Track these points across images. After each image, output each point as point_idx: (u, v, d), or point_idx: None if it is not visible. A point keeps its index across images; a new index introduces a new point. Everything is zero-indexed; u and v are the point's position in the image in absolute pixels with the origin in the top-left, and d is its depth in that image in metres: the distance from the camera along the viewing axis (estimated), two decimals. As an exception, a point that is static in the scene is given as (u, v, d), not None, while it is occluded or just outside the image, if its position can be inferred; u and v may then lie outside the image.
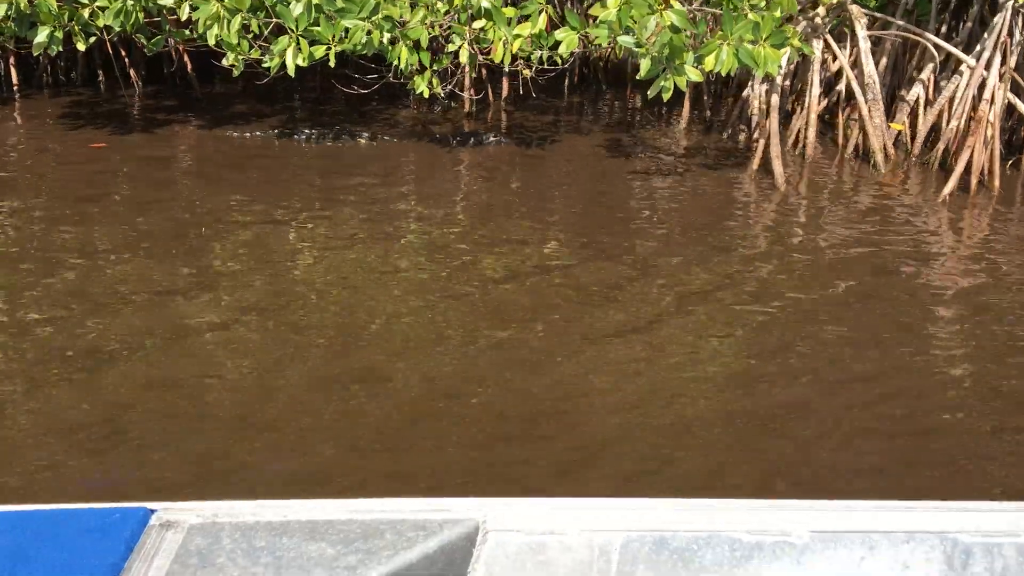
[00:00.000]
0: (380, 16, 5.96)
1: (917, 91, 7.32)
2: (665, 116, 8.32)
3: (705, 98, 8.28)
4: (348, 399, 3.92)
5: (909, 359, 4.32)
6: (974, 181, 6.24)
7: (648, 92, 5.45)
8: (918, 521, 1.55)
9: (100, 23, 6.22)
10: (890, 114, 7.27)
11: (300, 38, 6.03)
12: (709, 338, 4.52)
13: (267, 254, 5.43)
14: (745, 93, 7.56)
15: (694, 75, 5.34)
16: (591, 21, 5.83)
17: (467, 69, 7.61)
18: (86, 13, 6.23)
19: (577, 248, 5.60)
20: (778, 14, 5.69)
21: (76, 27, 6.32)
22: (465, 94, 7.97)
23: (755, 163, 6.70)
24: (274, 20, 6.15)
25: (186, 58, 8.51)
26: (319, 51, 6.11)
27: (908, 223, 6.02)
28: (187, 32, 6.64)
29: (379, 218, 5.97)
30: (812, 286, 5.11)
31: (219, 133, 7.55)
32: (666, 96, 5.36)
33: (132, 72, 8.49)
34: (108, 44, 7.71)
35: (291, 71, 6.31)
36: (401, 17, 6.03)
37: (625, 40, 5.10)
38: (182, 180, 6.84)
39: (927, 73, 7.29)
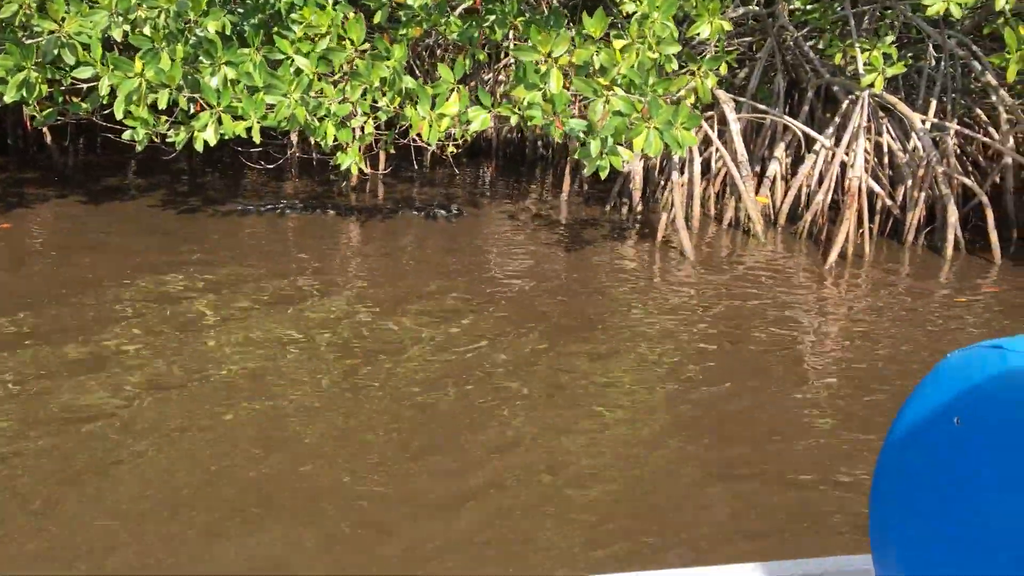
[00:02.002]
0: (309, 94, 5.96)
1: (775, 168, 8.12)
2: (550, 189, 8.73)
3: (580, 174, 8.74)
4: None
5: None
6: (851, 251, 6.98)
7: (584, 171, 5.77)
8: None
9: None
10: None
11: (222, 114, 5.92)
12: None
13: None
14: (627, 169, 8.07)
15: (627, 155, 5.72)
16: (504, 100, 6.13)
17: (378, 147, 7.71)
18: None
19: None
20: (691, 100, 6.22)
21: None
22: (378, 170, 8.09)
23: (659, 235, 7.17)
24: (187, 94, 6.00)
25: (45, 130, 8.05)
26: (239, 127, 6.01)
27: (803, 285, 6.65)
28: (84, 105, 6.31)
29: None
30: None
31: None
32: (603, 174, 5.70)
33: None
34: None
35: (199, 147, 6.17)
36: (325, 96, 6.05)
37: (577, 123, 5.39)
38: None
39: (780, 151, 8.12)
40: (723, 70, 7.19)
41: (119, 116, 6.01)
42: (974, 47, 7.89)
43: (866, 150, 7.39)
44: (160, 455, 3.89)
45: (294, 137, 8.09)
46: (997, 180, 8.16)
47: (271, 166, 7.47)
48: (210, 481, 3.72)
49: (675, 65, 6.03)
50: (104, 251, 6.63)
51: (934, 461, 1.26)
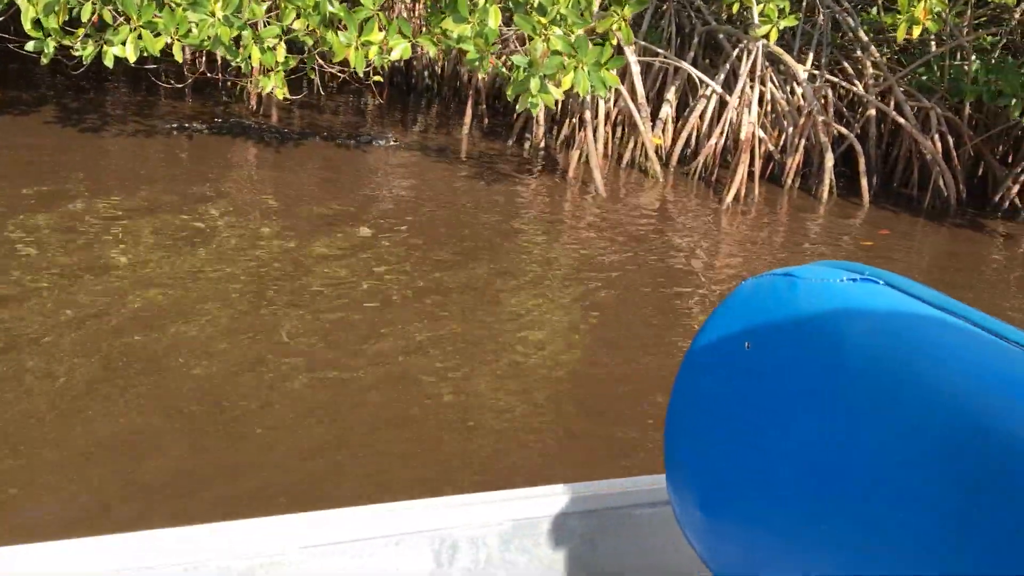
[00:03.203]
0: (231, 12, 5.79)
1: (667, 111, 8.51)
2: (452, 120, 8.79)
3: (483, 107, 8.86)
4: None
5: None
6: (743, 192, 7.48)
7: (517, 107, 5.92)
8: (410, 522, 1.54)
9: None
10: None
11: (142, 29, 5.67)
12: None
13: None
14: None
15: (557, 94, 5.91)
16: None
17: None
18: None
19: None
20: (613, 41, 6.46)
21: None
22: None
23: (571, 171, 7.43)
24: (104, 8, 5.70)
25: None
26: (159, 43, 5.78)
27: (701, 221, 7.10)
28: (-16, 11, 5.88)
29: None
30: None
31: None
32: (535, 111, 5.87)
33: None
34: None
35: (109, 62, 5.93)
36: (252, 18, 5.90)
37: (520, 59, 5.52)
38: None
39: (672, 95, 8.51)
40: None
41: (27, 27, 5.67)
42: (846, 3, 8.50)
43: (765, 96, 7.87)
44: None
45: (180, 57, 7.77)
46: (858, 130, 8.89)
47: (180, 85, 7.18)
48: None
49: (596, 7, 6.23)
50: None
51: (726, 384, 1.28)
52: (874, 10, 9.06)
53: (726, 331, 1.27)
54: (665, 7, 8.97)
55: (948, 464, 1.01)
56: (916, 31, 6.24)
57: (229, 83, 8.20)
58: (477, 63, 5.78)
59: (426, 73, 10.23)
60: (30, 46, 5.89)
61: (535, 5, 5.62)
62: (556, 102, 6.34)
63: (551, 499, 1.61)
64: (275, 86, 6.18)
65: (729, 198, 7.34)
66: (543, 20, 5.58)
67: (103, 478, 3.21)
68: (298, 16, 5.76)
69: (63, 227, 5.43)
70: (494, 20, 5.61)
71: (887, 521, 1.06)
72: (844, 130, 8.11)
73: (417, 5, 9.45)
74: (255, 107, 8.13)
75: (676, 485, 1.38)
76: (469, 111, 8.60)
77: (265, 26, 6.10)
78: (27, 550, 1.38)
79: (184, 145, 7.26)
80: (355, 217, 6.19)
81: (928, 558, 1.02)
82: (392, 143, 7.79)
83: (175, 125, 7.48)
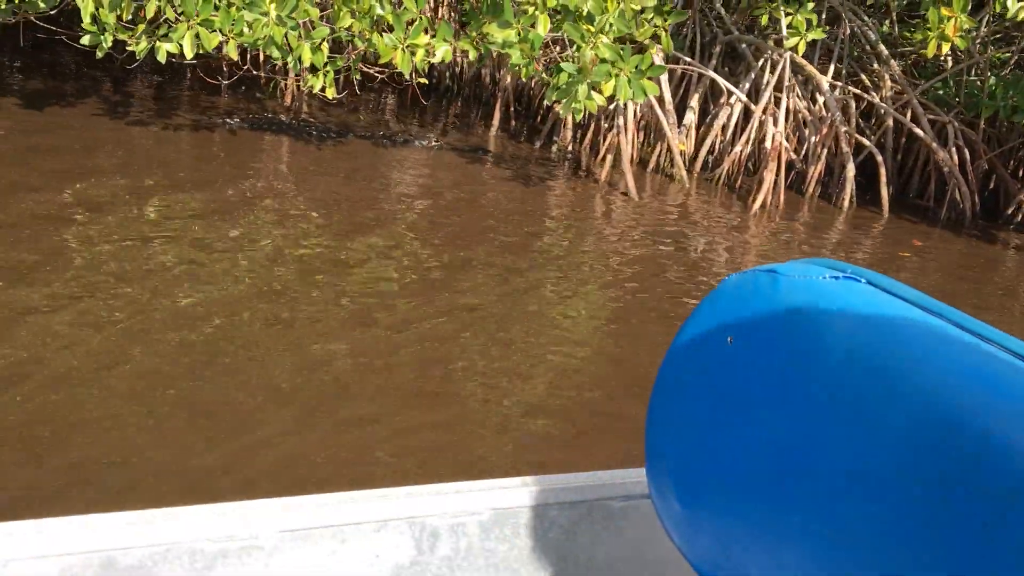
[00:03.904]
0: (286, 13, 5.93)
1: (690, 117, 8.69)
2: (479, 122, 8.96)
3: (511, 110, 9.02)
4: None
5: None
6: (769, 200, 7.67)
7: (560, 111, 6.09)
8: (389, 509, 1.54)
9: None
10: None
11: (199, 27, 5.81)
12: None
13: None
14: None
15: (600, 100, 6.08)
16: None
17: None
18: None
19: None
20: (653, 50, 6.63)
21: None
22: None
23: (603, 175, 7.60)
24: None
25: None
26: (214, 40, 5.92)
27: (725, 227, 7.29)
28: (42, 4, 5.99)
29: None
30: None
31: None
32: (578, 116, 6.04)
33: None
34: None
35: (162, 58, 6.07)
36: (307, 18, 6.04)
37: (569, 67, 5.68)
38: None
39: (695, 102, 8.69)
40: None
41: (86, 20, 5.80)
42: (865, 17, 8.71)
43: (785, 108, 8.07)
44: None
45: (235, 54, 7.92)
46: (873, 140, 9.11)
47: (227, 81, 7.31)
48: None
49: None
50: (47, 159, 6.37)
51: (708, 379, 1.29)
52: (886, 23, 9.27)
53: (709, 325, 1.28)
54: (688, 16, 9.15)
55: (921, 460, 1.02)
56: (945, 47, 6.44)
57: (263, 80, 8.33)
58: (523, 68, 5.94)
59: (447, 74, 10.38)
60: (85, 40, 6.02)
61: (583, 14, 5.79)
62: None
63: (531, 489, 1.62)
64: (324, 85, 6.32)
65: (756, 205, 7.52)
66: (591, 28, 5.74)
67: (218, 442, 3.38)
68: (352, 18, 5.90)
69: (112, 223, 5.56)
70: (543, 27, 5.77)
71: (859, 515, 1.07)
72: (865, 140, 8.31)
73: (440, 7, 9.60)
74: (290, 103, 8.26)
75: (656, 477, 1.39)
76: (497, 113, 8.75)
77: (313, 27, 6.24)
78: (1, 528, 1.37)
79: (226, 140, 7.37)
80: (393, 214, 6.34)
81: (898, 552, 1.03)
82: (433, 144, 7.93)
83: (218, 121, 7.59)
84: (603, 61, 5.72)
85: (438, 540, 1.57)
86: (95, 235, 5.23)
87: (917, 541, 1.01)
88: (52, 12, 6.52)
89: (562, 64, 5.72)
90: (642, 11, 6.61)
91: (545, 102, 8.41)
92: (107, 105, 7.68)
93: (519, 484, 1.63)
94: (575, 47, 5.85)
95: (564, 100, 6.01)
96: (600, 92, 6.07)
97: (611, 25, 5.72)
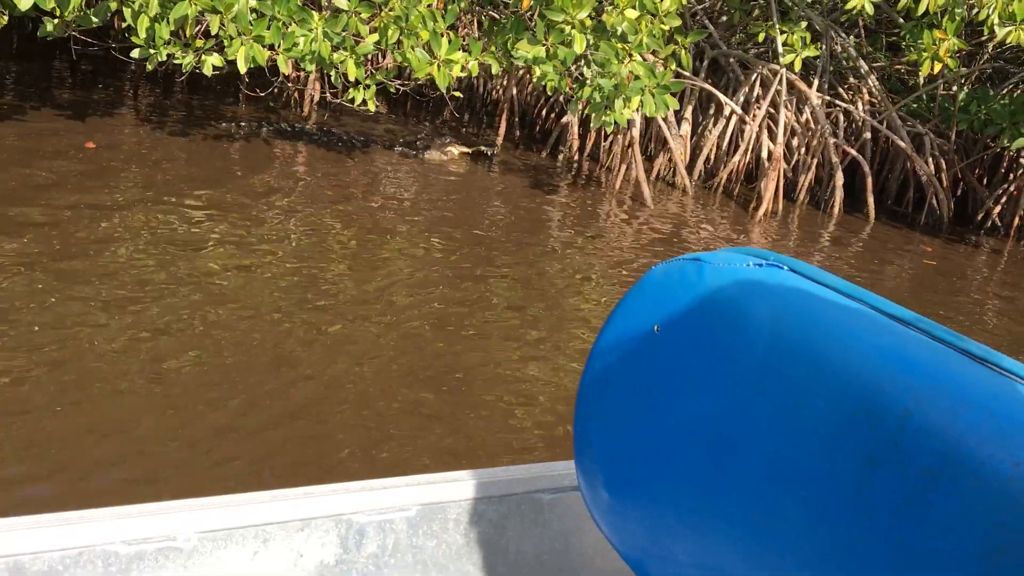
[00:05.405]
0: (336, 31, 6.23)
1: (686, 128, 9.17)
2: (485, 132, 9.31)
3: (516, 119, 9.40)
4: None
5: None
6: (770, 207, 8.18)
7: (592, 124, 6.49)
8: (314, 507, 1.51)
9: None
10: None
11: (253, 42, 6.08)
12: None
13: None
14: (565, 119, 8.84)
15: (627, 114, 6.50)
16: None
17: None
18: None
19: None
20: (674, 66, 7.08)
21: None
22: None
23: (617, 183, 8.02)
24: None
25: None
26: (264, 55, 6.19)
27: (731, 231, 7.77)
28: (94, 19, 6.19)
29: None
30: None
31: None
32: (609, 129, 6.45)
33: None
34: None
35: (208, 71, 6.33)
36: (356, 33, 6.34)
37: (606, 83, 6.09)
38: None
39: (689, 113, 9.18)
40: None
41: (141, 35, 6.03)
42: (843, 35, 9.31)
43: (783, 120, 8.59)
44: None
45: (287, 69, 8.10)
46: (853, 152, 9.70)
47: (263, 94, 7.55)
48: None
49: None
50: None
51: (635, 366, 1.29)
52: (856, 39, 9.88)
53: (636, 314, 1.29)
54: (706, 33, 9.64)
55: (844, 441, 1.03)
56: (937, 67, 7.01)
57: (275, 89, 8.57)
58: (554, 83, 6.33)
59: (447, 87, 10.71)
60: (135, 53, 6.24)
61: (618, 32, 6.20)
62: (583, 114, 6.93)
63: (459, 484, 1.62)
64: (366, 99, 6.63)
65: (760, 212, 8.03)
66: (626, 47, 6.16)
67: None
68: (401, 35, 6.23)
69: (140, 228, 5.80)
70: (579, 46, 6.16)
71: (785, 498, 1.08)
72: (853, 151, 8.88)
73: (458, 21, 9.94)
74: (305, 112, 8.53)
75: (584, 467, 1.39)
76: (504, 123, 9.12)
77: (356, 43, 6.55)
78: None
79: (249, 148, 7.61)
80: (410, 219, 6.67)
81: (824, 533, 1.05)
82: (445, 151, 8.25)
83: (243, 126, 7.81)
84: (637, 77, 6.14)
85: (364, 538, 1.55)
86: (119, 238, 5.48)
87: (841, 522, 1.03)
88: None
89: (600, 81, 6.12)
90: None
91: (566, 117, 8.84)
92: (123, 112, 7.86)
93: (448, 479, 1.62)
94: (603, 64, 6.25)
95: (596, 113, 6.42)
96: (628, 106, 6.51)
97: (644, 44, 6.14)
